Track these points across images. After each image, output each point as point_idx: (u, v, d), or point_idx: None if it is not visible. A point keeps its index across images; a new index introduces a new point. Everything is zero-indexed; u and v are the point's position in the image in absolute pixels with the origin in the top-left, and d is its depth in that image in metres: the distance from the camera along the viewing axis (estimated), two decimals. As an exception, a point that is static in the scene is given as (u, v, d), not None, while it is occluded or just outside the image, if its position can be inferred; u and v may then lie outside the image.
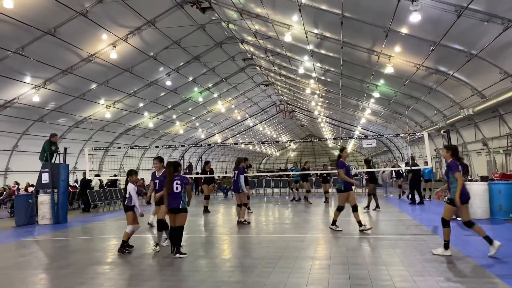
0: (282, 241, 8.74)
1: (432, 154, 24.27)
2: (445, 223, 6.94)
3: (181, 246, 7.45)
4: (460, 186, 6.70)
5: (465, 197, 6.82)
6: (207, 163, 16.59)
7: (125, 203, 8.09)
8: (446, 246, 6.83)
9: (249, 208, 14.52)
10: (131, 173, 8.24)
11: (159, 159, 9.32)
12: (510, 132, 16.13)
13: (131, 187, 8.06)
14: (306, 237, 9.06)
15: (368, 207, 14.42)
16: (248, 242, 9.11)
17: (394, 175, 22.09)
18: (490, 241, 6.65)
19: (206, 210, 14.92)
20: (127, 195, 8.07)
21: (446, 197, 7.08)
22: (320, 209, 15.45)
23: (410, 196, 16.77)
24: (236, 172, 11.54)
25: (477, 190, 11.28)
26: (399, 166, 20.65)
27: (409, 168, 16.79)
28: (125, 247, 7.93)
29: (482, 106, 15.36)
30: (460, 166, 6.96)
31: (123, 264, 6.95)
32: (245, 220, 11.46)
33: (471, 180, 14.67)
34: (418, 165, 17.02)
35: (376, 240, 8.40)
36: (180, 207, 7.39)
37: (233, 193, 12.35)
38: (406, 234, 9.04)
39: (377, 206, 14.41)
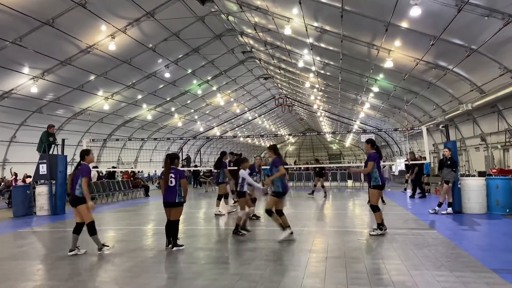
0: (279, 234, 8.75)
1: (430, 149, 24.31)
2: (269, 212, 8.01)
3: (178, 239, 7.45)
4: (277, 176, 7.84)
5: (284, 189, 7.98)
6: (237, 155, 15.84)
7: (238, 189, 8.60)
8: (283, 228, 7.88)
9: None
10: (244, 161, 8.88)
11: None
12: (508, 127, 16.15)
13: (244, 173, 8.55)
14: (303, 230, 9.08)
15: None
16: (246, 234, 9.12)
17: (393, 170, 22.08)
18: (283, 228, 7.88)
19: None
20: (240, 181, 8.56)
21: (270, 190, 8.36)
22: (318, 203, 15.49)
23: (414, 190, 16.94)
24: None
25: (475, 185, 11.31)
26: (416, 160, 20.50)
27: (415, 162, 16.86)
28: (239, 231, 8.46)
29: (481, 102, 15.37)
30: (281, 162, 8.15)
31: (120, 256, 6.96)
32: (255, 215, 10.96)
33: (468, 175, 14.72)
34: (419, 160, 17.03)
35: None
36: (176, 201, 7.27)
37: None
38: (403, 228, 9.07)
39: (382, 201, 14.23)
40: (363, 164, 9.63)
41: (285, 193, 8.02)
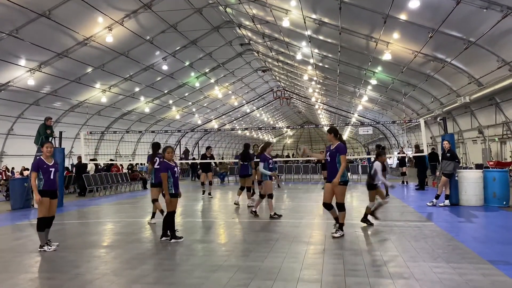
0: (277, 226, 8.79)
1: (428, 142, 24.36)
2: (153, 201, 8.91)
3: (176, 230, 7.47)
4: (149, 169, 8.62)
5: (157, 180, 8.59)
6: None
7: (369, 181, 8.46)
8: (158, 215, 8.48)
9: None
10: (381, 154, 8.58)
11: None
12: (506, 120, 16.18)
13: (378, 165, 8.31)
14: (301, 223, 9.11)
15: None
16: (244, 227, 9.16)
17: (391, 162, 22.15)
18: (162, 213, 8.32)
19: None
20: (372, 172, 8.39)
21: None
22: (316, 195, 15.52)
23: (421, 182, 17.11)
24: (258, 160, 10.22)
25: (472, 178, 11.35)
26: (404, 153, 20.55)
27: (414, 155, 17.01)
28: (371, 219, 8.31)
29: (478, 94, 15.38)
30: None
31: (119, 248, 6.98)
32: (275, 214, 9.89)
33: (465, 168, 14.75)
34: (423, 152, 17.10)
35: (370, 226, 8.46)
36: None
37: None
38: (401, 221, 9.11)
39: (387, 194, 14.15)
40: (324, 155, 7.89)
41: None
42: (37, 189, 6.86)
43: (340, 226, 7.45)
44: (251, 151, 12.65)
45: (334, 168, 7.35)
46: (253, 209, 10.34)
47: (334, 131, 7.57)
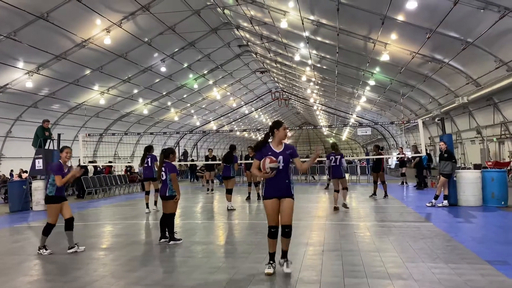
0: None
1: (426, 142, 24.39)
2: None
3: (175, 232, 7.47)
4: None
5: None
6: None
7: None
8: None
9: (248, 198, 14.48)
10: None
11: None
12: (504, 120, 16.22)
13: None
14: (300, 224, 9.10)
15: (375, 194, 14.30)
16: (243, 228, 9.16)
17: (389, 163, 22.22)
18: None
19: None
20: None
21: None
22: (315, 196, 15.53)
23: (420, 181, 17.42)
24: (338, 157, 11.42)
25: (470, 178, 11.36)
26: (404, 154, 20.60)
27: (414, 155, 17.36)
28: None
29: (476, 95, 15.41)
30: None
31: (118, 250, 6.97)
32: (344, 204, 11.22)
33: (464, 168, 14.78)
34: (420, 153, 17.16)
35: (369, 227, 8.47)
36: (167, 194, 7.37)
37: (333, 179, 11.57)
38: (399, 221, 9.12)
39: (385, 195, 14.02)
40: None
41: None
42: (51, 195, 6.87)
43: (284, 254, 5.47)
44: (234, 154, 12.79)
45: (286, 178, 5.38)
46: (344, 202, 11.23)
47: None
